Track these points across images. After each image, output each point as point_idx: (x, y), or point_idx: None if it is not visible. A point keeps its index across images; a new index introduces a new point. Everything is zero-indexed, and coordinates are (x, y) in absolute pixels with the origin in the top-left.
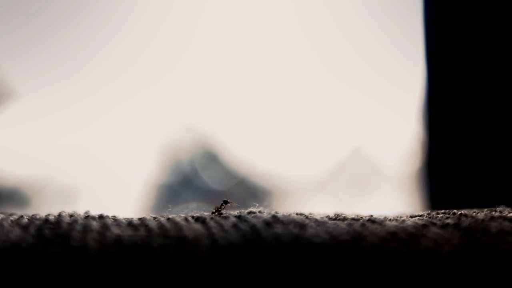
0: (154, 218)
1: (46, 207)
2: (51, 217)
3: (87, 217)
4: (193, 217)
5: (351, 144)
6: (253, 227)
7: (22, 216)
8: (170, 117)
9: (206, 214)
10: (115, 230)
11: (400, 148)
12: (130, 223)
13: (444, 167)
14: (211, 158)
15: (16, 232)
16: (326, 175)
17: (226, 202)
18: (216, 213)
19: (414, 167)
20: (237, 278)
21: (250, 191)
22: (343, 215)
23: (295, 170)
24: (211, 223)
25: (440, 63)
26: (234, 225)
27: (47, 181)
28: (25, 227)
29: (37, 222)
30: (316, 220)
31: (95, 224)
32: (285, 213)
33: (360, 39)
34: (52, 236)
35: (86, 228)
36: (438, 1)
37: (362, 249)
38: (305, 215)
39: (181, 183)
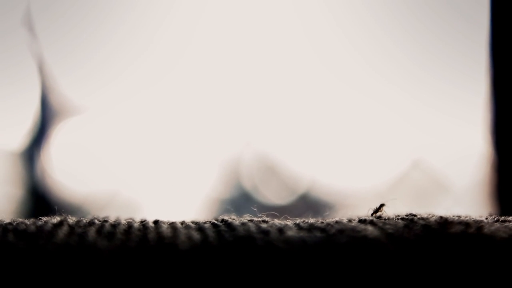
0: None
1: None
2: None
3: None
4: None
5: (411, 156)
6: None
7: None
8: (232, 134)
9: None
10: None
11: (463, 160)
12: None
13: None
14: (272, 174)
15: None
16: (386, 188)
17: (383, 205)
18: (375, 214)
19: (478, 180)
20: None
21: (312, 205)
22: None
23: (356, 183)
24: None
25: (507, 75)
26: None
27: (112, 197)
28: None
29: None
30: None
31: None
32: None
33: (425, 51)
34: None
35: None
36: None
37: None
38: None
39: (243, 198)
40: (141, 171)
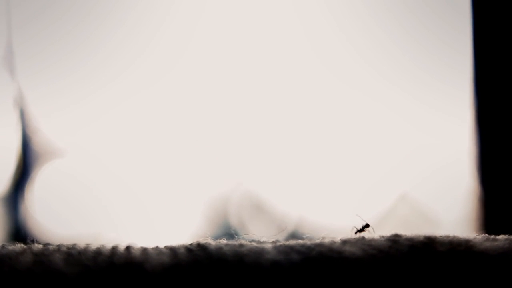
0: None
1: None
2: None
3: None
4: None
5: (398, 190)
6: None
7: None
8: (218, 172)
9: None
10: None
11: (450, 194)
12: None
13: (499, 214)
14: (260, 212)
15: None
16: (373, 223)
17: (367, 225)
18: (359, 234)
19: (466, 214)
20: None
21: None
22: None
23: (343, 219)
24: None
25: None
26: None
27: (96, 238)
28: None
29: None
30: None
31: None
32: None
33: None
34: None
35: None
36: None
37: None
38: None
39: (229, 237)
40: (125, 211)
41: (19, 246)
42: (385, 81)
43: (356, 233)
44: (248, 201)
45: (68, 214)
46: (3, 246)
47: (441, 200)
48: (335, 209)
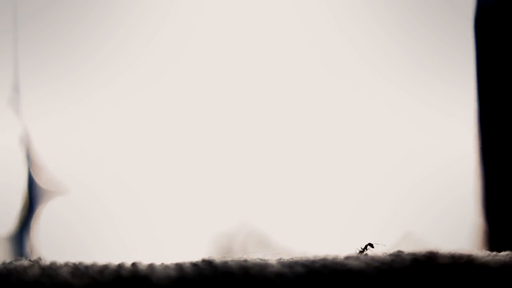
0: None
1: None
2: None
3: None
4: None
5: (401, 228)
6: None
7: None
8: (222, 208)
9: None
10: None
11: (455, 232)
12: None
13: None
14: (263, 248)
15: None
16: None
17: (371, 245)
18: (361, 252)
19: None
20: None
21: None
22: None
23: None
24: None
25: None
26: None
27: None
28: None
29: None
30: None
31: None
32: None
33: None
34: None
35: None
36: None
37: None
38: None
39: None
40: (128, 245)
41: (27, 261)
42: (386, 81)
43: (359, 252)
44: (252, 238)
45: (73, 250)
46: (11, 262)
47: (446, 237)
48: (340, 242)
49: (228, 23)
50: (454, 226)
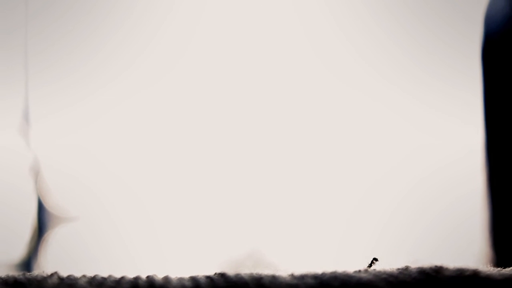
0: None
1: None
2: None
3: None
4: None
5: (409, 256)
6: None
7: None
8: (230, 236)
9: None
10: None
11: (461, 256)
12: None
13: None
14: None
15: None
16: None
17: (376, 259)
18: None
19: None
20: None
21: None
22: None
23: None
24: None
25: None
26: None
27: None
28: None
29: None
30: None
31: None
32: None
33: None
34: None
35: None
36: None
37: None
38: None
39: None
40: (134, 270)
41: (46, 271)
42: (386, 81)
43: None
44: (259, 264)
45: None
46: (31, 273)
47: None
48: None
49: (228, 23)
50: (456, 225)
